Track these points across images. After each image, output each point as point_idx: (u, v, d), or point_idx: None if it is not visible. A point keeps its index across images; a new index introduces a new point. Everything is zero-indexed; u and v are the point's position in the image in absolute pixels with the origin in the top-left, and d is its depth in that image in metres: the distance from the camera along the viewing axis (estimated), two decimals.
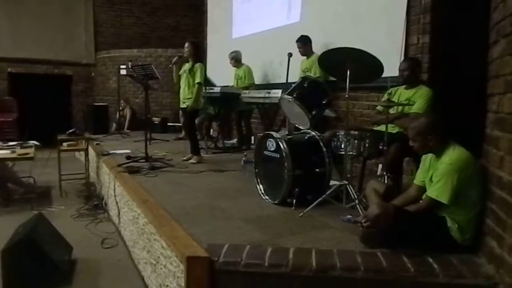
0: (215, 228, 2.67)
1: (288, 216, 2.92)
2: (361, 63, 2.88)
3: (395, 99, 3.28)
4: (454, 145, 2.27)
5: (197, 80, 4.81)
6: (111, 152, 5.61)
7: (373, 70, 2.97)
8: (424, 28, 3.76)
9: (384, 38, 4.08)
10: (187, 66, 4.97)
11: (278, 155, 3.17)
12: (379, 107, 3.58)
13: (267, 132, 3.37)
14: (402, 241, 2.24)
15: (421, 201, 2.39)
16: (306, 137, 3.26)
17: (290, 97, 3.08)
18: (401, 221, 2.20)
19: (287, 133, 3.30)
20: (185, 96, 4.97)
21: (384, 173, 2.96)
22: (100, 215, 4.38)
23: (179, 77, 5.16)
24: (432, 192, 2.22)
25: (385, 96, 3.55)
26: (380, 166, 3.76)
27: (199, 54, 5.00)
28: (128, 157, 5.04)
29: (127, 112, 8.96)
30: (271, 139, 3.25)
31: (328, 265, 2.09)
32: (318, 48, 5.10)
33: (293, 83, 3.32)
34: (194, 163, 4.93)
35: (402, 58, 3.80)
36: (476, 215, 2.20)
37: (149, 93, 5.41)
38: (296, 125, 3.38)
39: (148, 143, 5.09)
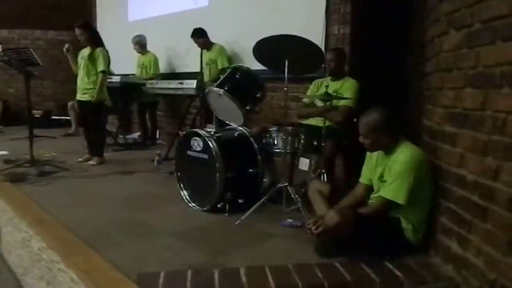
0: (141, 249, 2.20)
1: (224, 225, 2.57)
2: (300, 53, 2.63)
3: (322, 91, 3.13)
4: (405, 141, 2.16)
5: (101, 68, 4.14)
6: None
7: (313, 60, 2.75)
8: (344, 18, 3.68)
9: (305, 26, 3.90)
10: (85, 51, 4.22)
11: (206, 156, 2.78)
12: (305, 100, 3.41)
13: (192, 129, 2.94)
14: (359, 248, 2.08)
15: (371, 202, 2.26)
16: (236, 134, 2.93)
17: (221, 89, 2.70)
18: (360, 227, 2.01)
19: (214, 130, 2.92)
20: (85, 86, 4.21)
21: (322, 170, 2.79)
22: None
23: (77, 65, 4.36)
24: (388, 192, 2.08)
25: (312, 88, 3.39)
26: (306, 162, 3.61)
27: (97, 38, 4.26)
28: (8, 161, 4.13)
29: None
30: (196, 138, 2.83)
31: (289, 284, 1.81)
32: (229, 37, 4.77)
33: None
34: (94, 164, 4.24)
35: (323, 48, 3.67)
36: (428, 214, 2.13)
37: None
38: (226, 121, 3.01)
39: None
